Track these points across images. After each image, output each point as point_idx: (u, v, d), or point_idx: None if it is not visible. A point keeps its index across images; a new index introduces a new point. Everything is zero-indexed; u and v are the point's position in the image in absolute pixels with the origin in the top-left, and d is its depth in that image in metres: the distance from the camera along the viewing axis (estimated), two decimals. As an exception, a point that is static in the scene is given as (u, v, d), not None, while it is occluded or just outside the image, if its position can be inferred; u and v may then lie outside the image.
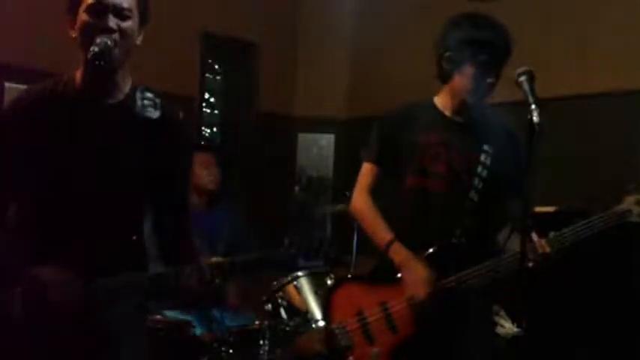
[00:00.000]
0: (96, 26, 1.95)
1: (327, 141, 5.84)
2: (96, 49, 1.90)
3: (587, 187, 4.00)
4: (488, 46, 2.35)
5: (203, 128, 5.49)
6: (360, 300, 2.47)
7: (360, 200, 2.57)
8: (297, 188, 5.82)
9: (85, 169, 1.98)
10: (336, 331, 2.43)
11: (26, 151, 2.00)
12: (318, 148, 5.86)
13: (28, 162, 2.00)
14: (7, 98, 4.02)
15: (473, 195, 2.42)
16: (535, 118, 2.04)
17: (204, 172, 3.79)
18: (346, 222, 4.39)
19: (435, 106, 2.55)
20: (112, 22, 1.95)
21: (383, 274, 2.49)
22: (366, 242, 4.25)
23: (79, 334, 1.93)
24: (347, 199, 4.02)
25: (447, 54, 2.43)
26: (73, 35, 2.01)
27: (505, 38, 2.39)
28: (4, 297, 1.96)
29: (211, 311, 3.45)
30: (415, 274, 2.38)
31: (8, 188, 2.09)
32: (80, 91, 2.02)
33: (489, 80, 2.36)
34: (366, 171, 2.60)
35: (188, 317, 3.42)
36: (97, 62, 1.90)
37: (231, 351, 3.27)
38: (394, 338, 2.40)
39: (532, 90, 2.13)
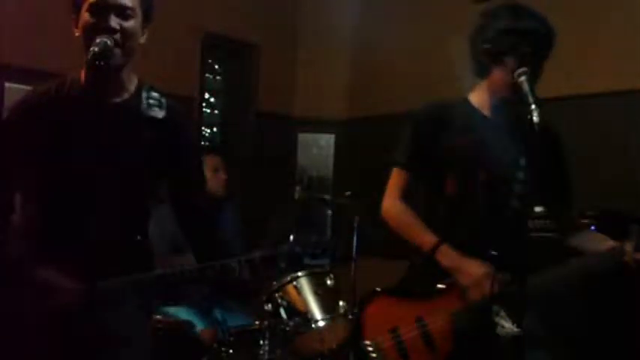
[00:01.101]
0: (98, 26, 1.94)
1: (326, 141, 5.84)
2: (95, 49, 1.90)
3: (587, 188, 3.99)
4: (531, 36, 2.19)
5: (203, 128, 5.49)
6: (394, 315, 2.29)
7: (393, 205, 2.41)
8: (297, 188, 5.82)
9: (90, 169, 1.97)
10: (369, 349, 2.27)
11: (32, 151, 2.00)
12: (317, 148, 5.85)
13: (34, 162, 2.00)
14: (7, 98, 4.02)
15: (514, 202, 2.24)
16: (535, 118, 2.05)
17: (213, 176, 3.79)
18: (346, 222, 4.40)
19: (470, 104, 2.38)
20: (114, 21, 1.95)
21: (416, 286, 2.35)
22: (367, 242, 4.27)
23: (83, 336, 1.93)
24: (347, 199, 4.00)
25: (486, 46, 2.25)
26: (77, 34, 2.00)
27: (547, 28, 2.24)
28: (10, 296, 1.96)
29: (213, 311, 3.46)
30: (475, 272, 2.20)
31: (14, 188, 2.09)
32: (85, 91, 2.01)
33: (529, 75, 2.17)
34: (396, 177, 2.43)
35: (188, 317, 3.43)
36: (96, 62, 1.90)
37: (231, 351, 3.27)
38: (432, 357, 2.22)
39: (532, 90, 2.13)
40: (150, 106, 2.04)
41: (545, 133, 2.20)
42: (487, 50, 2.25)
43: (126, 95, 2.06)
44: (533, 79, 2.16)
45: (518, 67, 2.14)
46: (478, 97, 2.37)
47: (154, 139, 2.03)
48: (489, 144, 2.26)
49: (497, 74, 2.26)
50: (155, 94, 2.07)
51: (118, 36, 1.95)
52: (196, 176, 2.22)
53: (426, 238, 2.32)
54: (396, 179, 2.42)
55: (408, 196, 2.40)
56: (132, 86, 2.07)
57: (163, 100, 2.08)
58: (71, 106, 2.00)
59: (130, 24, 1.98)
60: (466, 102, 2.39)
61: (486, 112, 2.35)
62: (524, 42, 2.18)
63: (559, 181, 2.38)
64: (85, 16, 1.96)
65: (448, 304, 2.24)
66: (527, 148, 2.13)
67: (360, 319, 2.36)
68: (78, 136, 1.98)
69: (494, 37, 2.23)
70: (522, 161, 2.24)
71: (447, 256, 2.27)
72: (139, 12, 2.01)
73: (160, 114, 2.05)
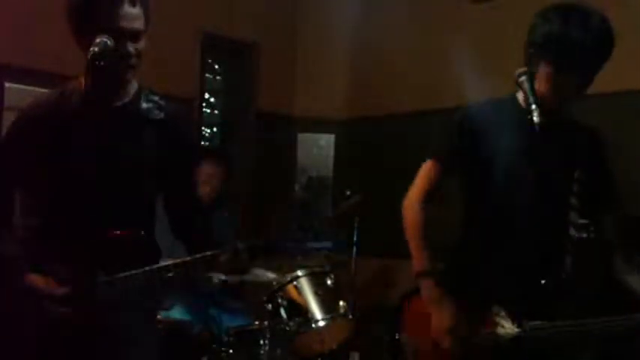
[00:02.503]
0: (116, 52, 1.96)
1: (326, 141, 5.84)
2: (95, 49, 1.92)
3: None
4: (575, 47, 2.04)
5: (203, 128, 5.49)
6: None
7: (414, 208, 2.27)
8: (297, 188, 5.81)
9: (93, 172, 2.00)
10: (408, 345, 2.24)
11: (37, 161, 2.05)
12: (318, 148, 5.85)
13: (40, 170, 2.05)
14: (7, 98, 4.02)
15: (574, 217, 2.09)
16: (535, 118, 2.04)
17: (204, 185, 3.77)
18: (347, 222, 4.40)
19: (516, 103, 2.24)
20: (131, 47, 2.00)
21: (461, 292, 2.22)
22: (367, 243, 4.27)
23: (88, 333, 1.95)
24: (347, 199, 4.01)
25: (531, 50, 2.14)
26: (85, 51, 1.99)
27: (600, 37, 2.07)
28: (13, 295, 1.99)
29: (209, 311, 3.46)
30: (440, 321, 2.18)
31: (15, 194, 2.14)
32: (86, 96, 2.03)
33: (572, 84, 2.09)
34: (429, 170, 2.27)
35: (184, 316, 3.43)
36: (96, 62, 1.92)
37: (231, 351, 3.27)
38: None
39: (532, 90, 2.13)
40: (150, 108, 2.09)
41: (588, 135, 2.20)
42: (531, 55, 2.14)
43: (126, 98, 2.10)
44: (575, 90, 2.10)
45: (557, 77, 2.07)
46: (524, 96, 2.18)
47: (154, 140, 2.06)
48: (537, 148, 2.07)
49: (538, 81, 2.12)
50: (155, 97, 2.12)
51: (133, 60, 2.01)
52: (193, 178, 2.28)
53: (421, 260, 2.25)
54: (427, 173, 2.28)
55: (435, 193, 2.28)
56: (132, 90, 2.12)
57: (162, 102, 2.13)
58: (73, 113, 2.03)
59: (141, 45, 2.03)
60: (512, 101, 2.26)
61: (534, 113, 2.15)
62: (567, 52, 2.05)
63: (603, 186, 2.27)
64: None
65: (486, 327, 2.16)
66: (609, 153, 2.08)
67: (403, 313, 2.31)
68: (81, 141, 2.00)
69: (537, 43, 2.13)
70: (577, 173, 2.13)
71: (428, 290, 2.22)
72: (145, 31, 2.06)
73: (159, 115, 2.09)
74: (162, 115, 2.09)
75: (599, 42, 2.09)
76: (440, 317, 2.19)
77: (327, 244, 2.70)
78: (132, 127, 2.07)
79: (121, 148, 2.05)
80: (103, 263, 1.97)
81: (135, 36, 2.00)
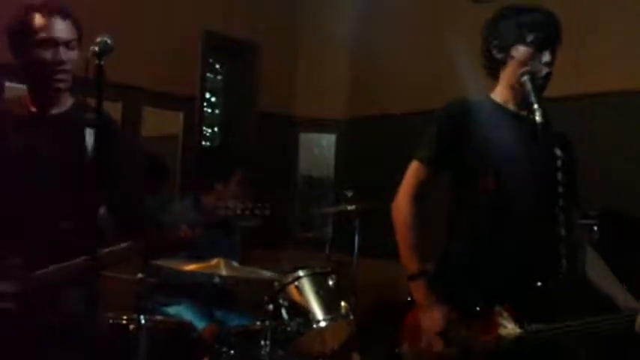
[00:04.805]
0: (52, 61, 2.17)
1: (327, 141, 5.84)
2: (96, 48, 1.99)
3: (586, 188, 3.99)
4: (537, 26, 2.24)
5: (204, 128, 5.49)
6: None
7: (404, 207, 2.30)
8: (298, 188, 5.82)
9: (35, 175, 2.17)
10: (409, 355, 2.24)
11: None
12: (319, 148, 5.85)
13: None
14: (8, 97, 4.02)
15: (564, 205, 2.09)
16: (538, 118, 2.05)
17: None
18: (347, 222, 4.40)
19: (494, 101, 2.33)
20: (65, 54, 2.19)
21: (454, 300, 2.22)
22: (367, 242, 4.27)
23: (33, 328, 2.08)
24: (348, 199, 4.01)
25: (496, 42, 2.29)
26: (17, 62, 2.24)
27: (552, 19, 2.30)
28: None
29: (213, 311, 3.47)
30: (430, 323, 2.19)
31: None
32: (27, 106, 2.26)
33: (544, 60, 2.22)
34: (416, 171, 2.31)
35: (189, 317, 3.43)
36: (96, 61, 2.01)
37: (232, 352, 3.27)
38: None
39: (534, 90, 2.13)
40: (87, 116, 2.19)
41: (555, 132, 2.21)
42: (498, 45, 2.28)
43: (63, 107, 2.27)
44: (546, 67, 2.21)
45: (530, 53, 2.21)
46: (499, 95, 2.33)
47: (92, 146, 2.15)
48: (522, 139, 2.20)
49: (512, 64, 2.26)
50: (91, 106, 2.21)
51: (68, 66, 2.19)
52: (134, 184, 2.38)
53: (413, 262, 2.26)
54: (415, 174, 2.31)
55: (423, 194, 2.31)
56: (69, 100, 2.29)
57: (97, 110, 2.16)
58: (16, 120, 2.24)
59: (74, 54, 2.21)
60: (489, 99, 2.34)
61: (512, 107, 2.31)
62: (533, 30, 2.22)
63: (571, 182, 2.29)
64: (37, 51, 2.17)
65: (487, 329, 2.16)
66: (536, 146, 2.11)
67: (401, 326, 2.33)
68: (21, 146, 2.19)
69: (503, 32, 2.27)
70: (559, 162, 2.16)
71: (419, 292, 2.23)
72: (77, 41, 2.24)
73: (95, 121, 2.14)
74: (97, 120, 2.13)
75: (554, 22, 2.29)
76: (430, 319, 2.19)
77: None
78: (69, 132, 2.21)
79: (59, 153, 2.19)
80: (44, 259, 2.09)
81: (67, 44, 2.19)
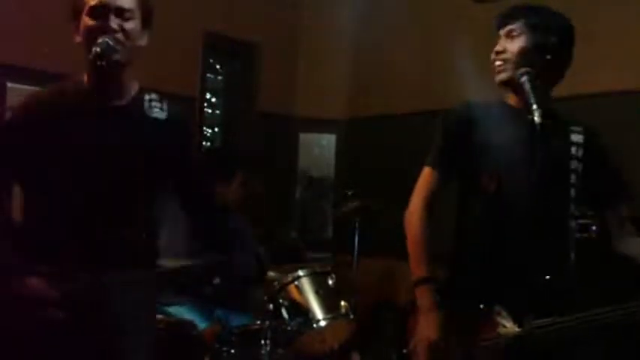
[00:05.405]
0: (99, 28, 2.00)
1: (328, 141, 5.84)
2: (97, 49, 1.95)
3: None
4: (570, 28, 2.25)
5: (204, 128, 5.49)
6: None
7: (416, 213, 2.28)
8: (298, 188, 5.82)
9: (92, 170, 2.01)
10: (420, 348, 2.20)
11: (35, 154, 2.04)
12: (319, 149, 5.86)
13: (37, 165, 2.04)
14: (9, 98, 4.03)
15: (560, 202, 2.12)
16: (536, 119, 2.05)
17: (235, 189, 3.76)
18: (348, 222, 4.41)
19: (507, 104, 2.31)
20: (114, 22, 2.01)
21: (459, 300, 2.24)
22: (367, 243, 4.27)
23: (83, 334, 1.96)
24: (350, 199, 4.00)
25: (552, 47, 2.23)
26: (78, 40, 2.06)
27: (558, 21, 2.25)
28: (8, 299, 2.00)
29: (215, 310, 3.46)
30: (425, 330, 2.18)
31: (11, 191, 2.12)
32: (88, 94, 2.07)
33: (546, 57, 2.18)
34: (428, 177, 2.31)
35: (190, 316, 3.43)
36: (98, 62, 1.93)
37: (232, 351, 3.27)
38: None
39: (533, 90, 2.13)
40: (152, 108, 2.10)
41: (584, 132, 2.24)
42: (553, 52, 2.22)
43: (128, 98, 2.12)
44: (563, 67, 2.24)
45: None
46: (514, 99, 2.29)
47: (156, 140, 2.08)
48: (533, 142, 2.09)
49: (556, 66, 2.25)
50: (156, 97, 2.14)
51: (119, 36, 2.02)
52: (199, 176, 2.30)
53: (420, 267, 2.25)
54: (426, 180, 2.30)
55: (436, 198, 2.30)
56: (133, 90, 2.14)
57: (165, 103, 2.14)
58: (74, 108, 2.05)
59: (129, 25, 2.05)
60: (503, 103, 2.32)
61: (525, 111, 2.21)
62: (570, 34, 2.24)
63: (602, 180, 2.28)
64: (86, 20, 2.03)
65: (487, 329, 2.15)
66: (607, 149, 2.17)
67: (407, 327, 2.31)
68: (81, 139, 2.02)
69: (555, 39, 2.22)
70: (574, 164, 2.17)
71: (423, 298, 2.21)
72: (137, 14, 2.08)
73: (161, 115, 2.09)
74: (164, 114, 2.12)
75: (560, 25, 2.28)
76: (426, 327, 2.19)
77: (327, 254, 2.73)
78: (133, 126, 2.09)
79: (122, 148, 2.05)
80: (101, 264, 1.98)
81: (120, 13, 2.03)
